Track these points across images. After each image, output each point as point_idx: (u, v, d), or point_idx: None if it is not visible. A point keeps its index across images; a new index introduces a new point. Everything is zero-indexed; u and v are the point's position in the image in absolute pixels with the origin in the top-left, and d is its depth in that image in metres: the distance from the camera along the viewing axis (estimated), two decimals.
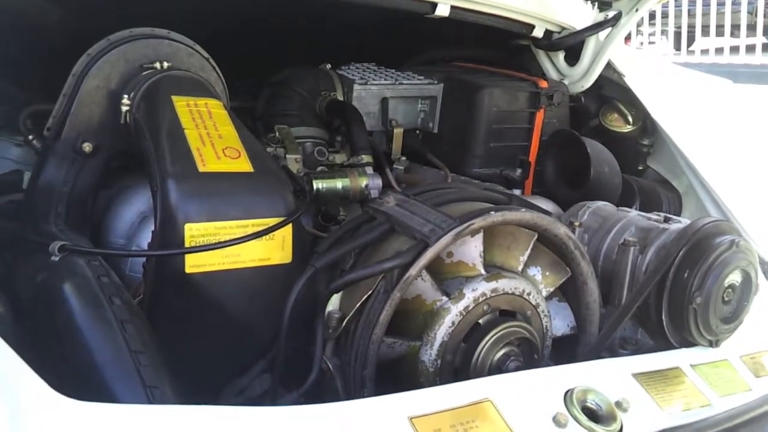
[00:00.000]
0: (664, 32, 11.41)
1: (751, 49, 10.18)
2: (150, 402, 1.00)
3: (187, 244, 1.16)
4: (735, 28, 10.35)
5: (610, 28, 1.96)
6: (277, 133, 1.70)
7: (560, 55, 2.10)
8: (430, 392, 1.11)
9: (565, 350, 1.40)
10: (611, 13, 1.96)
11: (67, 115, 1.47)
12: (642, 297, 1.34)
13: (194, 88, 1.47)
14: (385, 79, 1.95)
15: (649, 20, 11.12)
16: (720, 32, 10.47)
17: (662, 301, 1.35)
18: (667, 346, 1.38)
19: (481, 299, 1.23)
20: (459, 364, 1.23)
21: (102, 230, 1.54)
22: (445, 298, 1.23)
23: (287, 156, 1.63)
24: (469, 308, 1.22)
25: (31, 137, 1.57)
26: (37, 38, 1.56)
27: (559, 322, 1.39)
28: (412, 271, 1.16)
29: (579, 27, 2.00)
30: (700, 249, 1.34)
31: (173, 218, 1.17)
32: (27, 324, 1.13)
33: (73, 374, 1.00)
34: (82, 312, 1.10)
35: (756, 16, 10.27)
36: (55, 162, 1.46)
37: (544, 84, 1.97)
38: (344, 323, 1.20)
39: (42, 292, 1.16)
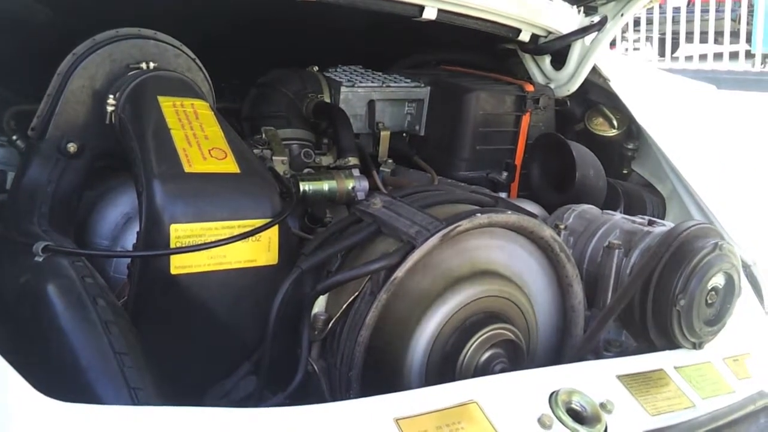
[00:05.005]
0: (648, 39, 11.52)
1: (734, 56, 10.30)
2: (134, 403, 0.99)
3: (172, 245, 1.16)
4: (718, 35, 10.47)
5: (596, 33, 1.98)
6: (263, 135, 1.70)
7: (546, 59, 2.11)
8: (415, 394, 1.11)
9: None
10: (597, 18, 1.97)
11: (51, 115, 1.45)
12: (626, 299, 1.34)
13: (181, 89, 1.46)
14: (372, 82, 1.95)
15: (634, 27, 11.23)
16: (704, 39, 10.59)
17: (646, 303, 1.36)
18: (651, 348, 1.39)
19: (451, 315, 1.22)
20: (444, 370, 1.23)
21: (86, 231, 1.53)
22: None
23: (274, 158, 1.62)
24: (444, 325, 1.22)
25: (15, 137, 1.56)
26: (23, 37, 1.54)
27: (541, 290, 1.37)
28: (399, 272, 1.16)
29: (565, 31, 2.01)
30: (683, 252, 1.35)
31: (159, 219, 1.16)
32: (10, 325, 1.12)
33: (57, 376, 0.99)
34: (66, 313, 1.09)
35: (739, 23, 10.41)
36: (39, 162, 1.45)
37: (530, 88, 1.98)
38: (330, 325, 1.19)
39: (26, 293, 1.15)
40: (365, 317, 1.15)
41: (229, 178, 1.25)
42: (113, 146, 1.45)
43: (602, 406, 1.15)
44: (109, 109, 1.43)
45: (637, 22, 11.21)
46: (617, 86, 2.07)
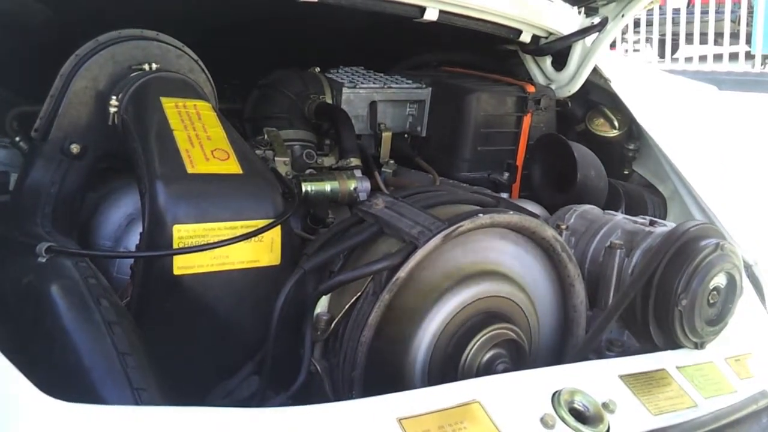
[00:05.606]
0: (648, 40, 11.52)
1: (734, 57, 10.31)
2: (137, 404, 0.99)
3: (175, 246, 1.16)
4: (718, 36, 10.48)
5: (597, 34, 1.98)
6: (265, 136, 1.70)
7: (547, 60, 2.11)
8: (418, 393, 1.12)
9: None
10: (597, 19, 1.97)
11: (54, 116, 1.46)
12: (628, 299, 1.34)
13: (183, 90, 1.46)
14: (374, 83, 1.95)
15: (634, 28, 11.24)
16: (704, 40, 10.60)
17: (648, 303, 1.36)
18: (653, 348, 1.39)
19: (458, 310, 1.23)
20: (446, 369, 1.23)
21: (89, 232, 1.54)
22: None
23: (276, 158, 1.62)
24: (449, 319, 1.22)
25: (17, 139, 1.56)
26: (25, 38, 1.55)
27: (543, 290, 1.37)
28: (401, 273, 1.16)
29: (566, 32, 2.02)
30: (685, 252, 1.35)
31: (161, 219, 1.16)
32: (13, 325, 1.12)
33: (60, 376, 1.00)
34: (70, 314, 1.09)
35: (739, 24, 10.42)
36: (42, 163, 1.45)
37: (531, 89, 1.98)
38: (333, 325, 1.19)
39: (29, 294, 1.15)
40: (368, 317, 1.15)
41: (232, 179, 1.25)
42: (116, 147, 1.45)
43: (605, 405, 1.15)
44: (112, 110, 1.43)
45: (637, 24, 11.22)
46: (618, 87, 2.07)
